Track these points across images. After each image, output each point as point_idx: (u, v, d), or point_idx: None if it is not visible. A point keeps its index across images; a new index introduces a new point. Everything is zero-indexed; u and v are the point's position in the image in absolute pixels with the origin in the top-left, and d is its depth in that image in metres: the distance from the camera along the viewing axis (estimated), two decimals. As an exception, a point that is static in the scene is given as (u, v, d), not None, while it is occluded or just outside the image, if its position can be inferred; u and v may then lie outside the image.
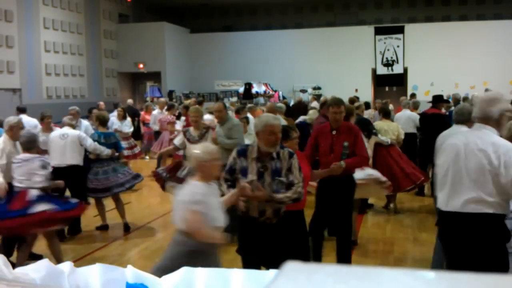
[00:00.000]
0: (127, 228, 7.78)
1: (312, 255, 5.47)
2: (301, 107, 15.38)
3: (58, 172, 6.87)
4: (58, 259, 5.82)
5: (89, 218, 8.44)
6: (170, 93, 22.87)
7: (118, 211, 7.89)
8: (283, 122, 7.31)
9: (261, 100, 20.25)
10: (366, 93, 22.99)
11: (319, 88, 23.91)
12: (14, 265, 2.56)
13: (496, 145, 3.29)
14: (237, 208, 4.30)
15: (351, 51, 24.21)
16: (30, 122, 9.71)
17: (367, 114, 11.57)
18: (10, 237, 6.27)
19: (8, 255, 5.99)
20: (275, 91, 21.94)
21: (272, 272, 3.00)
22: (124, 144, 10.92)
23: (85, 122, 10.13)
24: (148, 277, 2.63)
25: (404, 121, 9.92)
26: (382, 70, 24.34)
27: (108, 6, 23.26)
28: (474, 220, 3.31)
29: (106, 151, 7.55)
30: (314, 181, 5.68)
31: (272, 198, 4.12)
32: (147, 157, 14.69)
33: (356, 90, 22.37)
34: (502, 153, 3.25)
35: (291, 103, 18.21)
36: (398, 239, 7.23)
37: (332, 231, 5.96)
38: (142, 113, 14.81)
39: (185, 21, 26.79)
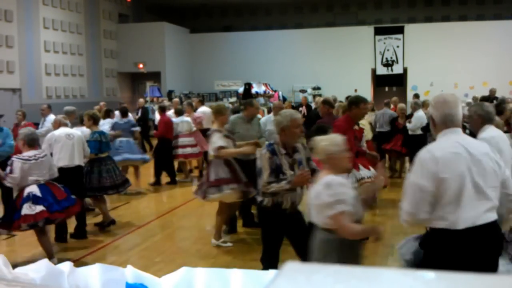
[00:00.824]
0: (106, 226, 7.90)
1: None
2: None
3: (66, 173, 6.94)
4: (50, 254, 6.01)
5: (89, 218, 8.44)
6: (170, 93, 22.87)
7: (103, 211, 8.00)
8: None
9: (261, 100, 20.22)
10: (366, 93, 22.96)
11: (318, 88, 23.91)
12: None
13: (487, 147, 3.23)
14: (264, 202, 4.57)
15: (351, 51, 24.22)
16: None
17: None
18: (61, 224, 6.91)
19: (63, 240, 7.06)
20: (275, 91, 21.91)
21: (272, 272, 3.00)
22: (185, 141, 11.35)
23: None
24: (147, 277, 2.63)
25: (416, 122, 10.06)
26: (381, 70, 24.34)
27: (108, 6, 23.26)
28: (490, 229, 3.09)
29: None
30: None
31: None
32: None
33: (356, 90, 22.37)
34: (495, 154, 3.21)
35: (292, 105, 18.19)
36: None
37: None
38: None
39: (185, 21, 26.79)
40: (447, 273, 0.91)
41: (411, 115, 11.24)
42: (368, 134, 8.74)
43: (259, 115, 9.89)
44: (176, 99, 15.15)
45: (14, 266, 2.58)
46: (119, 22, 24.23)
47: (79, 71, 21.02)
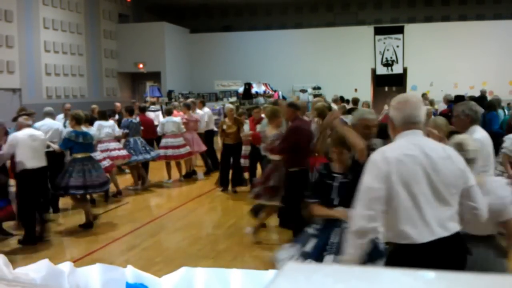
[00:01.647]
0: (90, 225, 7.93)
1: None
2: None
3: (30, 174, 6.95)
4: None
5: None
6: (170, 93, 22.87)
7: (87, 209, 8.06)
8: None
9: (261, 100, 20.23)
10: (366, 93, 23.00)
11: (318, 88, 23.91)
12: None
13: (452, 151, 3.03)
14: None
15: (350, 51, 24.21)
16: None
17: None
18: None
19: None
20: (275, 91, 21.92)
21: (272, 272, 3.00)
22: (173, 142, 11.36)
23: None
24: (147, 277, 2.63)
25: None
26: (381, 70, 24.34)
27: (108, 6, 23.25)
28: (455, 241, 2.85)
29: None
30: None
31: None
32: None
33: (356, 90, 22.38)
34: (461, 159, 2.99)
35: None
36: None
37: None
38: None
39: (185, 21, 26.78)
40: (447, 273, 0.91)
41: None
42: None
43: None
44: (192, 99, 14.78)
45: (15, 266, 2.58)
46: (119, 22, 24.22)
47: (79, 71, 21.01)
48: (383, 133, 4.12)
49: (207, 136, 12.76)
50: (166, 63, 23.92)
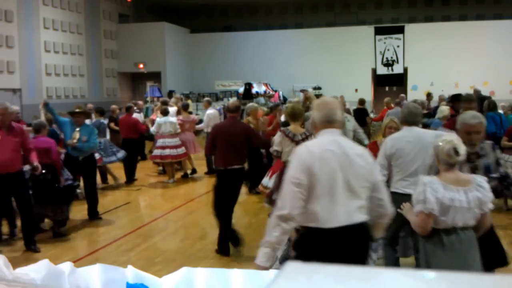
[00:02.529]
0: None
1: None
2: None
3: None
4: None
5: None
6: (170, 93, 22.86)
7: None
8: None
9: (261, 100, 20.22)
10: (366, 93, 23.00)
11: (319, 88, 23.90)
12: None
13: (363, 149, 3.36)
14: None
15: (351, 51, 24.22)
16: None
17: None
18: None
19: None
20: (275, 91, 21.92)
21: (272, 272, 3.00)
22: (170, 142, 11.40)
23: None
24: (148, 277, 2.63)
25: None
26: (382, 70, 24.35)
27: (108, 6, 23.26)
28: (360, 229, 3.17)
29: None
30: None
31: None
32: None
33: (356, 90, 22.40)
34: (370, 157, 3.32)
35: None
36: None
37: None
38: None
39: (185, 21, 26.79)
40: (448, 273, 0.91)
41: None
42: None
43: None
44: (208, 99, 14.64)
45: (15, 266, 2.59)
46: (119, 22, 24.24)
47: (79, 71, 21.02)
48: None
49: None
50: (167, 63, 23.93)
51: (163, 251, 6.72)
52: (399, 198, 4.17)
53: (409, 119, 4.89)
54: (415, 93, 22.25)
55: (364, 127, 11.03)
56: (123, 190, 10.89)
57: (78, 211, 8.59)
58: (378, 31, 24.34)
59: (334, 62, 24.29)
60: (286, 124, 7.17)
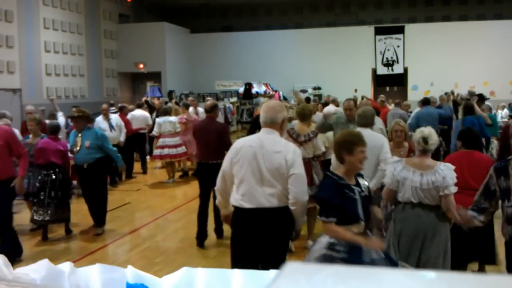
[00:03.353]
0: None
1: None
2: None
3: None
4: None
5: (89, 218, 8.45)
6: (170, 93, 22.88)
7: None
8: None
9: (261, 100, 20.24)
10: (366, 93, 22.97)
11: (319, 88, 23.92)
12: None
13: (286, 147, 3.85)
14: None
15: (351, 51, 24.22)
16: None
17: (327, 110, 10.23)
18: None
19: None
20: (275, 91, 21.94)
21: (272, 272, 3.00)
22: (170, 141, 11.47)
23: (114, 116, 11.33)
24: (148, 277, 2.63)
25: None
26: (382, 70, 24.35)
27: (108, 6, 23.26)
28: (273, 213, 3.79)
29: None
30: None
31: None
32: None
33: (356, 90, 22.39)
34: (291, 154, 3.80)
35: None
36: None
37: None
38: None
39: (185, 21, 26.80)
40: (448, 274, 0.91)
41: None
42: None
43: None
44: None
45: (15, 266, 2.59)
46: (120, 22, 24.24)
47: (80, 72, 21.02)
48: None
49: None
50: (167, 63, 23.93)
51: (163, 251, 6.72)
52: None
53: (361, 122, 5.66)
54: (415, 93, 22.26)
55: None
56: (123, 190, 10.89)
57: (78, 211, 8.59)
58: (378, 31, 24.35)
59: (334, 62, 24.29)
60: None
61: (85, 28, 21.42)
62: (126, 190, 10.95)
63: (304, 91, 23.48)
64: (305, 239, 6.64)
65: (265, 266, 3.18)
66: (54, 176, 7.17)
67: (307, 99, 18.65)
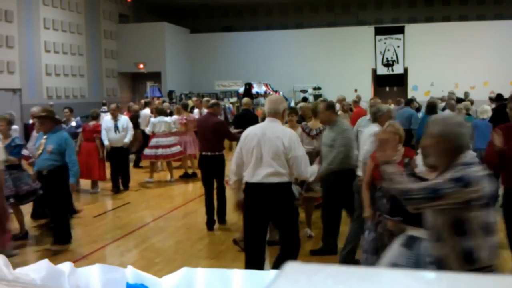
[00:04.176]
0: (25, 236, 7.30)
1: None
2: None
3: None
4: None
5: (89, 218, 8.45)
6: (170, 93, 22.88)
7: (20, 219, 7.33)
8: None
9: (262, 100, 20.24)
10: (366, 93, 22.97)
11: (319, 88, 23.91)
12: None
13: (284, 133, 4.66)
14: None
15: (351, 51, 24.22)
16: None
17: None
18: None
19: None
20: (276, 91, 21.93)
21: (272, 272, 3.00)
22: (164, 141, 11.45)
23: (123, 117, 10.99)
24: (148, 278, 2.63)
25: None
26: (382, 70, 24.35)
27: (108, 6, 23.27)
28: (272, 187, 4.63)
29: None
30: None
31: None
32: None
33: (356, 90, 22.36)
34: (288, 139, 4.58)
35: (292, 103, 18.20)
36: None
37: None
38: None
39: (185, 21, 26.79)
40: (449, 274, 0.91)
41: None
42: None
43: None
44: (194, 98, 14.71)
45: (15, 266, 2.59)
46: (120, 22, 24.24)
47: (80, 72, 21.02)
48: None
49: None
50: (167, 63, 23.93)
51: (163, 251, 6.72)
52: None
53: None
54: (415, 93, 22.25)
55: None
56: (123, 190, 10.88)
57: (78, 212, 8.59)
58: (378, 31, 24.34)
59: (334, 62, 24.29)
60: (300, 120, 8.12)
61: (85, 28, 21.43)
62: (126, 190, 10.94)
63: (304, 91, 23.49)
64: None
65: (277, 225, 5.13)
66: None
67: (304, 99, 18.68)
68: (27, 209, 7.82)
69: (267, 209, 4.73)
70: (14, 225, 7.11)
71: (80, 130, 10.43)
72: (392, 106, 14.17)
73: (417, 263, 3.54)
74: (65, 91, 19.96)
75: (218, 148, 7.79)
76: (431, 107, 9.68)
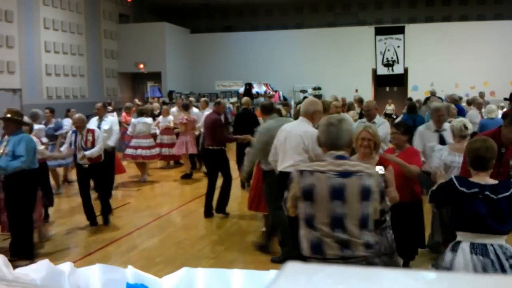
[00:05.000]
0: None
1: None
2: None
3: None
4: None
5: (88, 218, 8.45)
6: (170, 93, 22.88)
7: None
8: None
9: (262, 100, 20.23)
10: (367, 94, 23.00)
11: (319, 89, 23.91)
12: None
13: (306, 132, 5.23)
14: None
15: (351, 52, 24.22)
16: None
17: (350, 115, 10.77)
18: None
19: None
20: (276, 91, 21.94)
21: (272, 272, 3.00)
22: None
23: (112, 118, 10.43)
24: (148, 278, 2.63)
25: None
26: (382, 71, 24.34)
27: (108, 6, 23.27)
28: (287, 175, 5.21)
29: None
30: None
31: None
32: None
33: (356, 91, 22.37)
34: (309, 137, 5.12)
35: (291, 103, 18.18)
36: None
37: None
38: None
39: (185, 21, 26.80)
40: (449, 274, 0.91)
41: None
42: None
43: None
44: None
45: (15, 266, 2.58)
46: (120, 23, 24.24)
47: (80, 72, 21.03)
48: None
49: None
50: (167, 63, 23.93)
51: (163, 251, 6.72)
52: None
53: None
54: (415, 93, 22.26)
55: None
56: (123, 190, 10.89)
57: (79, 213, 8.59)
58: (379, 32, 24.34)
59: (335, 63, 24.29)
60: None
61: (85, 28, 21.43)
62: (126, 190, 10.95)
63: (304, 91, 23.49)
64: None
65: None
66: None
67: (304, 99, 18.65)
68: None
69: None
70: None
71: (60, 132, 10.36)
72: (393, 106, 14.16)
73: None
74: (65, 91, 19.97)
75: (216, 142, 8.42)
76: (411, 108, 10.03)
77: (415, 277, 0.87)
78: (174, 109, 13.69)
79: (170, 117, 12.84)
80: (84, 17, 21.43)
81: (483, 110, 10.96)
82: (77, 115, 8.13)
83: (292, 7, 26.76)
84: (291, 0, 26.00)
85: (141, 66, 23.52)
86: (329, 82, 23.77)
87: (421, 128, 6.70)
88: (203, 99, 13.99)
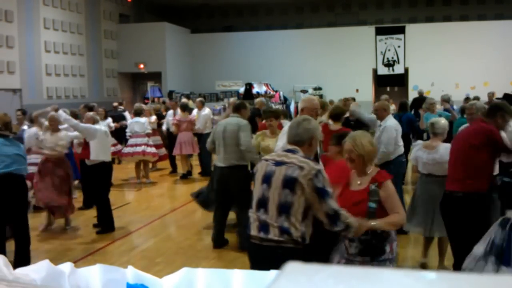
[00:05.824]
0: None
1: None
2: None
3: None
4: None
5: (89, 218, 8.45)
6: (171, 93, 22.87)
7: None
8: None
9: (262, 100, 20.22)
10: (367, 94, 23.02)
11: (320, 89, 23.91)
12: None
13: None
14: None
15: (352, 51, 24.21)
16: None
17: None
18: None
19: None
20: (276, 91, 21.92)
21: (273, 272, 3.00)
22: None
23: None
24: (148, 278, 2.63)
25: None
26: (383, 70, 24.33)
27: (108, 6, 23.27)
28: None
29: None
30: None
31: None
32: None
33: (357, 91, 22.39)
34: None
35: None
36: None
37: None
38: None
39: (185, 21, 26.79)
40: (449, 274, 0.91)
41: None
42: None
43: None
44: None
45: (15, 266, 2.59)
46: (120, 22, 24.24)
47: (80, 72, 21.03)
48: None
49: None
50: (167, 63, 23.93)
51: (163, 252, 6.72)
52: None
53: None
54: (415, 93, 22.25)
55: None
56: (123, 190, 10.90)
57: (78, 213, 8.59)
58: (379, 31, 24.33)
59: (335, 63, 24.28)
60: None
61: (85, 28, 21.43)
62: (126, 190, 10.95)
63: (304, 91, 23.48)
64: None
65: None
66: None
67: None
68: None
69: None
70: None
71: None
72: (393, 106, 14.14)
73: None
74: (65, 91, 19.97)
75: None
76: (402, 106, 10.19)
77: (415, 277, 0.87)
78: (170, 112, 13.38)
79: (153, 117, 12.84)
80: (84, 17, 21.42)
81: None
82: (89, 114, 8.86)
83: (293, 7, 26.76)
84: (291, 0, 25.99)
85: (141, 66, 23.52)
86: (330, 82, 23.76)
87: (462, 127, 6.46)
88: (198, 99, 13.80)
